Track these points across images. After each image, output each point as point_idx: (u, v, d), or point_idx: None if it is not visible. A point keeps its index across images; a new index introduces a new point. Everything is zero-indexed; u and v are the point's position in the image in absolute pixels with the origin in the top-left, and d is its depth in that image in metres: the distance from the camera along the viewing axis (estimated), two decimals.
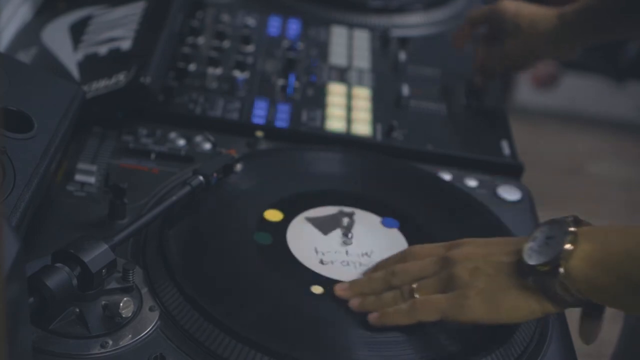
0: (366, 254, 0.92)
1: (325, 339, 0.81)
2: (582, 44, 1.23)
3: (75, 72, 1.11)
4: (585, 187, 2.74)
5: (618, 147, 3.02)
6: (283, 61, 1.26)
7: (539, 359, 0.85)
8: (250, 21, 1.36)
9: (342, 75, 1.27)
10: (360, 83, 1.26)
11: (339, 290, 0.86)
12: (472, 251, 0.83)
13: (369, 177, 1.05)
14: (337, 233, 0.94)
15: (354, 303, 0.84)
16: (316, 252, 0.91)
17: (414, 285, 0.83)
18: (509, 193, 1.08)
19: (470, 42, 1.31)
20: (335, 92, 1.22)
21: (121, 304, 0.79)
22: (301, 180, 1.01)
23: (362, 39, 1.37)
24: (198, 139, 1.07)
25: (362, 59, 1.32)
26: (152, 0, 1.23)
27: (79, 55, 1.15)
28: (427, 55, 1.36)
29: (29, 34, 1.22)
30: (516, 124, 1.30)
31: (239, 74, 1.21)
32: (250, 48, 1.28)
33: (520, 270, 0.79)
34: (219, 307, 0.81)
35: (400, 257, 0.88)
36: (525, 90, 3.09)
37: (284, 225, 0.93)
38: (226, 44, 1.28)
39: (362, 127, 1.15)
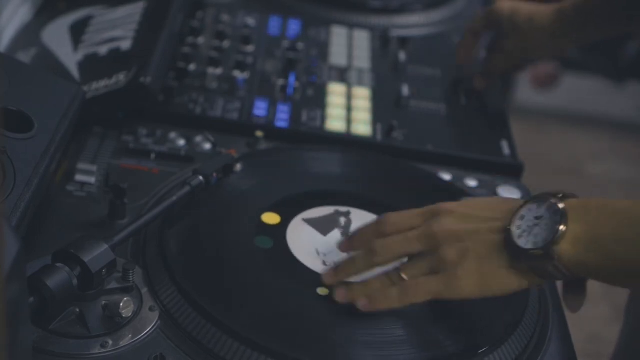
0: None
1: (326, 339, 0.81)
2: (581, 40, 1.23)
3: (75, 72, 1.11)
4: (585, 187, 2.75)
5: (618, 147, 3.02)
6: (283, 61, 1.26)
7: (539, 359, 0.85)
8: (250, 21, 1.36)
9: (342, 75, 1.27)
10: (360, 83, 1.26)
11: (325, 278, 0.85)
12: (456, 227, 0.81)
13: (369, 177, 1.05)
14: (336, 233, 0.94)
15: (340, 294, 0.83)
16: (318, 253, 0.91)
17: (402, 273, 0.81)
18: (509, 193, 1.08)
19: (476, 53, 1.30)
20: (335, 92, 1.22)
21: (121, 304, 0.79)
22: (297, 181, 1.01)
23: (362, 39, 1.37)
24: (198, 139, 1.07)
25: (362, 59, 1.32)
26: (152, 0, 1.23)
27: (79, 55, 1.15)
28: (427, 55, 1.36)
29: (29, 34, 1.22)
30: (516, 124, 1.30)
31: (239, 74, 1.21)
32: (250, 48, 1.28)
33: (511, 251, 0.79)
34: (219, 307, 0.81)
35: (376, 229, 0.85)
36: (525, 90, 3.09)
37: (282, 227, 0.93)
38: (226, 44, 1.28)
39: (362, 127, 1.15)
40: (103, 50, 1.14)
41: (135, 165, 1.02)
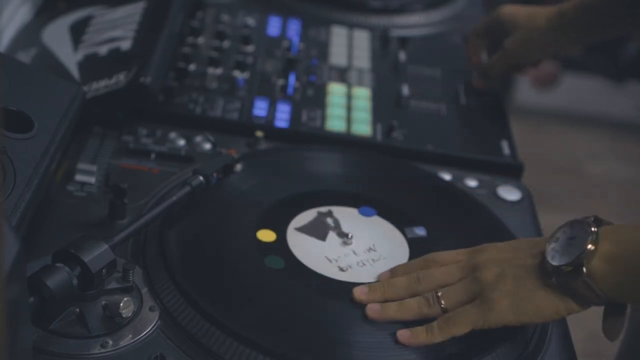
0: (371, 248, 0.92)
1: (326, 339, 0.81)
2: (582, 40, 1.23)
3: (75, 72, 1.11)
4: (585, 187, 2.75)
5: (618, 147, 3.02)
6: (283, 61, 1.26)
7: (539, 359, 0.85)
8: (250, 21, 1.36)
9: (342, 75, 1.27)
10: (360, 83, 1.26)
11: (358, 294, 0.85)
12: (496, 256, 0.83)
13: (369, 177, 1.05)
14: (332, 236, 0.94)
15: (374, 310, 0.83)
16: (329, 260, 0.91)
17: (439, 293, 0.82)
18: (509, 193, 1.08)
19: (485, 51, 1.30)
20: (335, 92, 1.22)
21: (121, 304, 0.79)
22: (297, 181, 1.01)
23: (362, 39, 1.37)
24: (198, 139, 1.07)
25: (362, 59, 1.32)
26: (152, 0, 1.23)
27: (79, 55, 1.15)
28: (427, 55, 1.36)
29: (29, 34, 1.22)
30: (516, 124, 1.30)
31: (239, 74, 1.21)
32: (250, 48, 1.28)
33: (544, 271, 0.79)
34: (219, 307, 0.81)
35: (422, 263, 0.87)
36: (525, 90, 3.09)
37: (282, 243, 0.91)
38: (226, 44, 1.28)
39: (362, 127, 1.15)
40: (103, 50, 1.14)
41: (135, 165, 1.02)
